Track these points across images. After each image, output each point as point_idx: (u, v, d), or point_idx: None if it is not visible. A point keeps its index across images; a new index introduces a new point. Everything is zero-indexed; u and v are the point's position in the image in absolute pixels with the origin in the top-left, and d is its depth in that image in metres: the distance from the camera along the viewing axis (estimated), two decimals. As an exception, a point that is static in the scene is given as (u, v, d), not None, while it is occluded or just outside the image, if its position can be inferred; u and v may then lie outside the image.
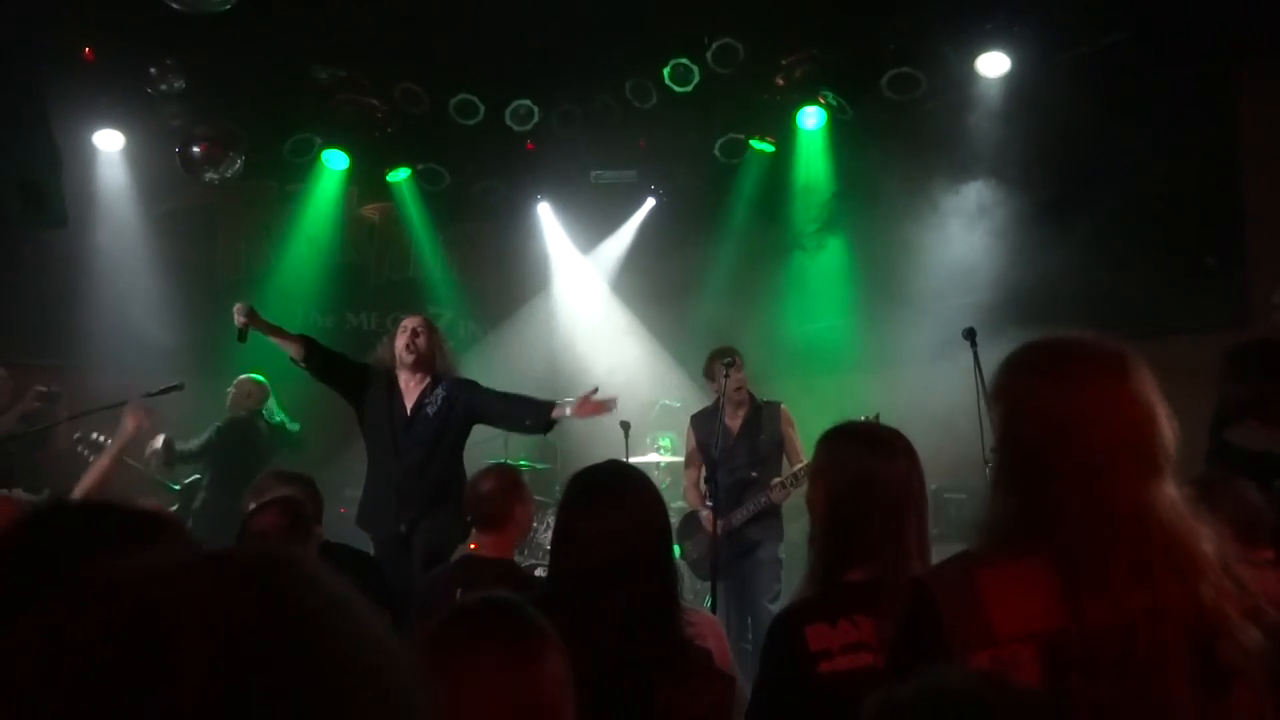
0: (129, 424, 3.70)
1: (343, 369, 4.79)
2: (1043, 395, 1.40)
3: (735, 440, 5.11)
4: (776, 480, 4.93)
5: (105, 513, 1.13)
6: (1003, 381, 1.47)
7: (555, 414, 4.60)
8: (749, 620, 4.92)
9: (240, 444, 5.86)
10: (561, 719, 1.35)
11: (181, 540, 1.17)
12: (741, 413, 5.17)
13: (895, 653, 1.47)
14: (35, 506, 1.11)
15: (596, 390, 4.56)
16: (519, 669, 1.33)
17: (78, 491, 3.48)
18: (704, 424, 5.24)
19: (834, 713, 1.75)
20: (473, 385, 4.75)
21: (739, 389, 5.09)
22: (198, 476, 5.90)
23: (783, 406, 5.24)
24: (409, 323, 4.76)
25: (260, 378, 6.04)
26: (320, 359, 4.69)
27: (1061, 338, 1.45)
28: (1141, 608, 1.28)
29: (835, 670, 1.86)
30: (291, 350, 4.64)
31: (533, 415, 4.64)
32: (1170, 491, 1.35)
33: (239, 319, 4.46)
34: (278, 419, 6.10)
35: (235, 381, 6.02)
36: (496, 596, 1.44)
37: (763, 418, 5.15)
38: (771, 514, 5.01)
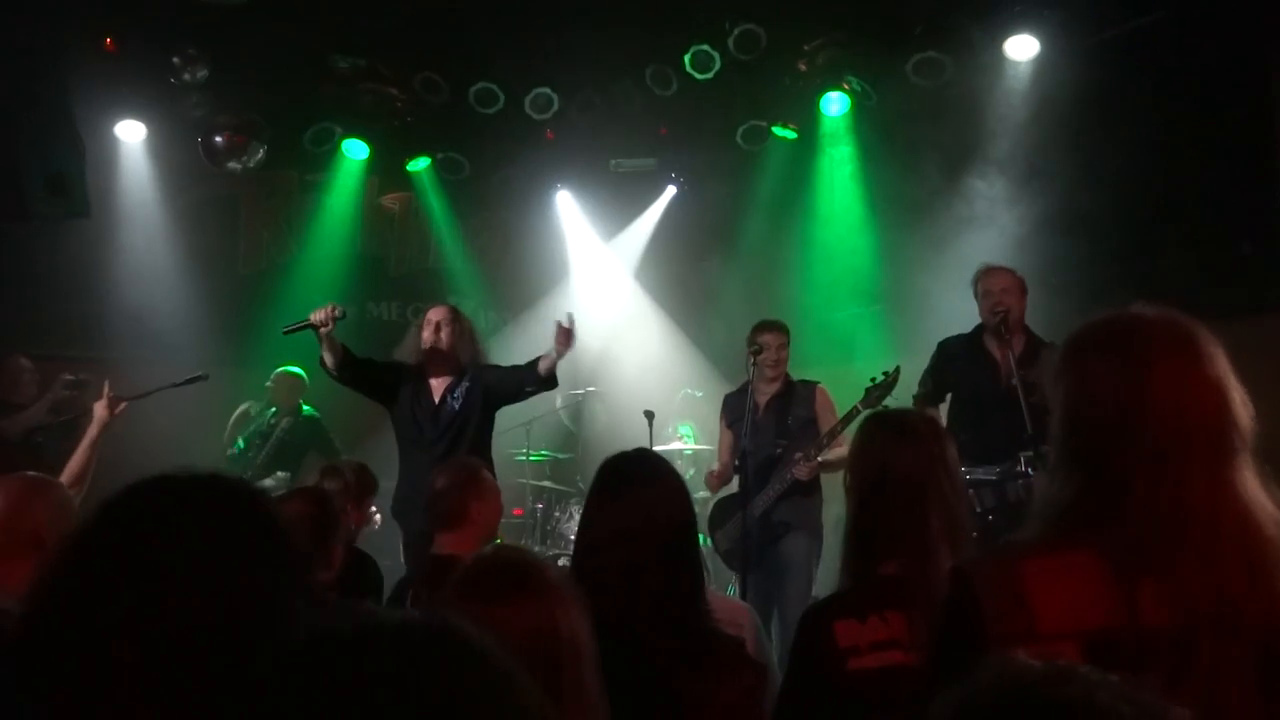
0: (101, 412, 3.76)
1: (373, 375, 4.78)
2: (1109, 375, 1.31)
3: (762, 417, 4.90)
4: (798, 454, 4.72)
5: (198, 489, 1.12)
6: (1066, 360, 1.39)
7: (544, 366, 4.58)
8: (774, 617, 4.80)
9: (306, 440, 6.02)
10: (581, 658, 1.38)
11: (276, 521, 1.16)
12: (773, 389, 4.96)
13: (933, 645, 1.39)
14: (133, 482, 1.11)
15: (559, 322, 4.54)
16: (525, 609, 1.37)
17: (63, 480, 3.47)
18: (735, 403, 5.09)
19: (862, 711, 1.76)
20: (488, 370, 4.75)
21: (774, 365, 4.90)
22: (281, 476, 5.96)
23: (820, 387, 5.02)
24: (433, 315, 4.75)
25: (298, 370, 6.05)
26: (352, 370, 4.67)
27: (1129, 314, 1.36)
28: (1208, 607, 1.18)
29: (864, 668, 1.82)
30: (330, 356, 4.57)
31: (528, 378, 4.64)
32: (1247, 478, 1.26)
33: (323, 317, 4.39)
34: (308, 411, 6.19)
35: (274, 376, 6.04)
36: (505, 551, 1.54)
37: (795, 396, 4.94)
38: (803, 494, 4.76)
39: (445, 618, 0.60)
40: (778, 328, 4.96)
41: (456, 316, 4.77)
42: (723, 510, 5.09)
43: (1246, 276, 5.29)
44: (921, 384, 4.63)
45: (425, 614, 0.61)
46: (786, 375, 5.02)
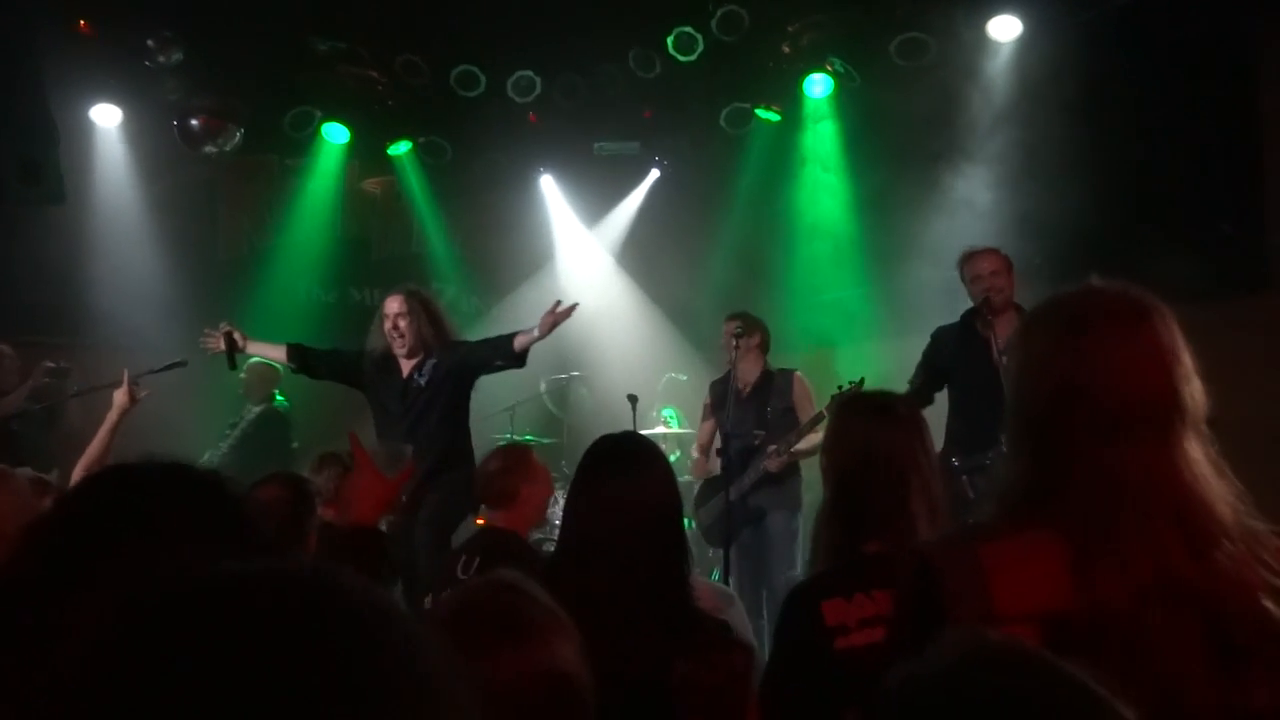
0: (121, 399, 3.74)
1: (339, 366, 4.85)
2: (1054, 350, 1.30)
3: (743, 406, 5.10)
4: (771, 448, 4.93)
5: (171, 477, 1.09)
6: (1018, 336, 1.39)
7: (520, 343, 4.57)
8: (764, 595, 4.88)
9: (280, 433, 5.96)
10: (579, 700, 1.30)
11: (243, 520, 1.14)
12: (753, 379, 5.18)
13: (896, 626, 1.39)
14: (111, 468, 1.09)
15: (559, 304, 4.50)
16: (510, 661, 1.29)
17: (80, 467, 3.48)
18: (719, 390, 5.28)
19: (851, 688, 1.74)
20: (457, 345, 4.74)
21: (749, 354, 5.12)
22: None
23: (798, 374, 5.21)
24: (388, 308, 4.72)
25: (271, 361, 5.99)
26: (312, 364, 4.76)
27: (1081, 290, 1.34)
28: (1153, 583, 1.18)
29: (852, 646, 1.84)
30: (280, 360, 4.72)
31: (499, 352, 4.63)
32: (1192, 453, 1.25)
33: (219, 345, 4.52)
34: (280, 401, 6.13)
35: (246, 367, 5.95)
36: (498, 580, 1.40)
37: (774, 385, 5.13)
38: (781, 481, 4.96)
39: (326, 569, 0.54)
40: (744, 318, 5.20)
41: (411, 304, 4.70)
42: (705, 491, 5.32)
43: (1226, 256, 5.31)
44: (912, 380, 4.63)
45: (305, 566, 0.55)
46: (766, 364, 5.22)
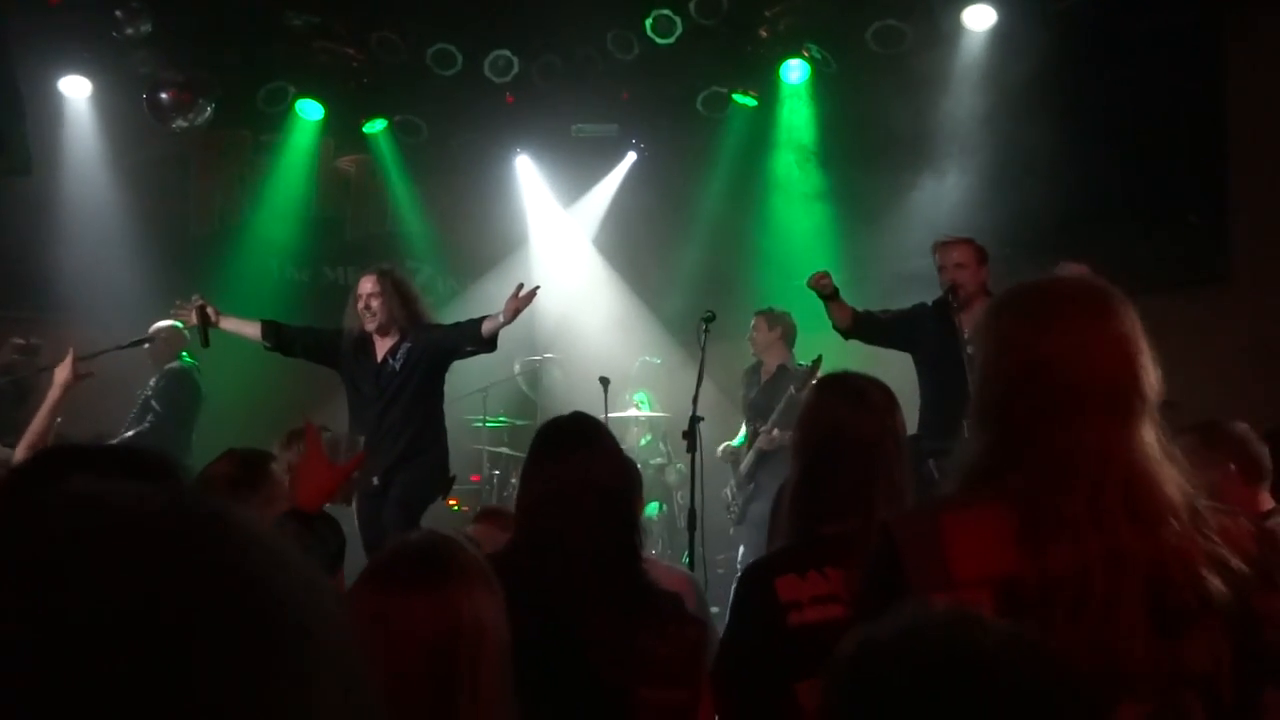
0: (63, 375, 3.62)
1: (313, 344, 4.80)
2: (1018, 334, 1.38)
3: (757, 397, 5.67)
4: (763, 429, 5.43)
5: (104, 458, 1.09)
6: (983, 322, 1.47)
7: (488, 328, 4.56)
8: None
9: (188, 392, 5.78)
10: (481, 653, 1.35)
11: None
12: (772, 370, 5.67)
13: (861, 597, 1.46)
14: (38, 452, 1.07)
15: (521, 287, 4.51)
16: (428, 600, 1.35)
17: (22, 445, 3.42)
18: (746, 380, 5.89)
19: (804, 664, 1.77)
20: (429, 328, 4.73)
21: (772, 347, 5.67)
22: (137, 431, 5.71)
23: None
24: (361, 288, 4.70)
25: (173, 322, 5.80)
26: (286, 343, 4.71)
27: (1045, 278, 1.44)
28: (1099, 552, 1.26)
29: (805, 622, 1.87)
30: (254, 337, 4.65)
31: (468, 337, 4.62)
32: (1145, 436, 1.32)
33: (192, 319, 4.47)
34: (187, 360, 5.91)
35: (155, 329, 5.65)
36: (423, 535, 1.49)
37: (785, 379, 5.53)
38: (777, 462, 5.27)
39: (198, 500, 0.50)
40: (758, 313, 5.77)
41: (384, 283, 4.67)
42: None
43: (1192, 247, 5.39)
44: (883, 312, 4.78)
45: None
46: (787, 358, 5.69)
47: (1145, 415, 1.33)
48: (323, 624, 0.47)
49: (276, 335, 4.81)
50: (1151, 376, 1.34)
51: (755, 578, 1.97)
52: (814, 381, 4.75)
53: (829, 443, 2.00)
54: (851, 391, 2.08)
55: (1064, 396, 1.31)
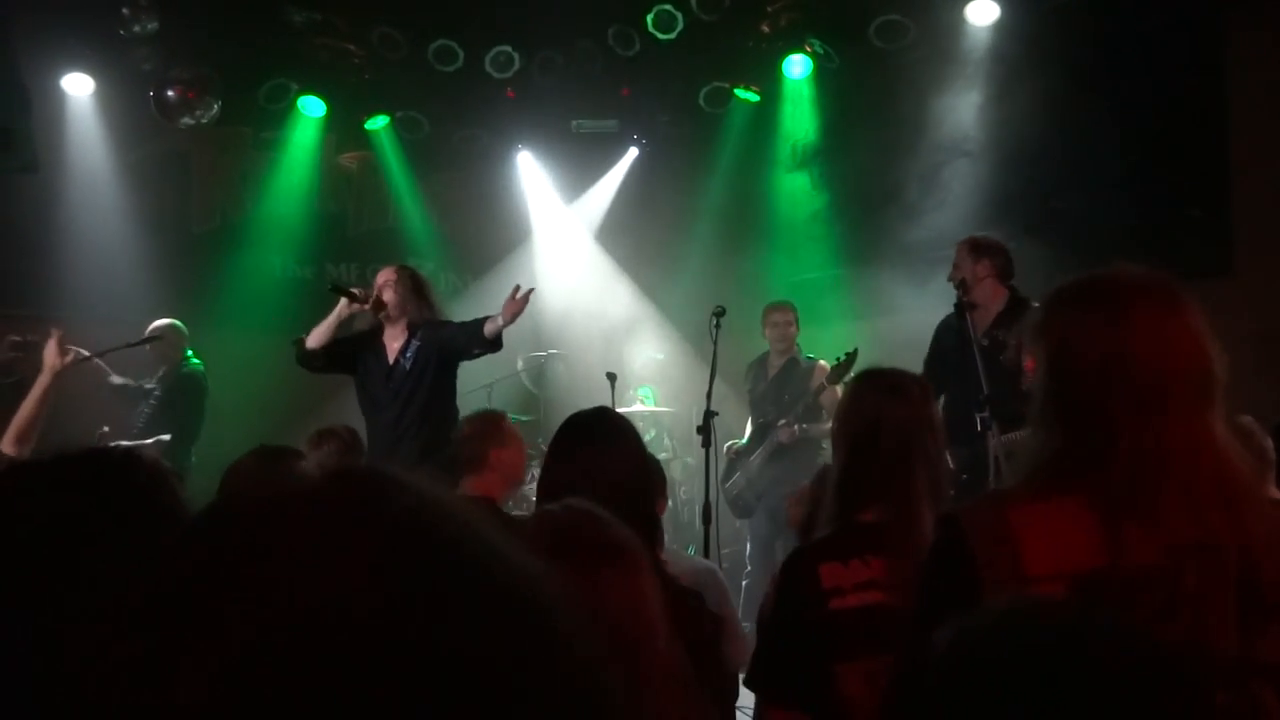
0: (50, 359, 3.48)
1: (338, 355, 4.75)
2: (1091, 328, 1.37)
3: (767, 388, 5.65)
4: (781, 422, 5.39)
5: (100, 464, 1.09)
6: (1048, 317, 1.45)
7: (489, 329, 4.56)
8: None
9: (199, 397, 5.79)
10: (656, 627, 1.31)
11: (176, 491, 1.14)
12: (780, 363, 5.67)
13: (924, 587, 1.45)
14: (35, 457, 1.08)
15: (518, 289, 4.52)
16: (611, 575, 1.29)
17: (10, 436, 3.26)
18: (752, 372, 5.83)
19: (845, 647, 1.88)
20: (439, 325, 4.73)
21: (780, 340, 5.63)
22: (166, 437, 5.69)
23: (820, 364, 5.52)
24: (378, 278, 4.74)
25: (173, 321, 5.75)
26: (326, 360, 4.69)
27: (1109, 271, 1.42)
28: (1192, 543, 1.26)
29: (846, 607, 1.92)
30: (327, 336, 4.61)
31: (475, 339, 4.62)
32: (1221, 425, 1.34)
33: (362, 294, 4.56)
34: (195, 363, 5.91)
35: (155, 327, 5.63)
36: (580, 506, 1.40)
37: (796, 372, 5.57)
38: (795, 455, 5.34)
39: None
40: (784, 306, 5.71)
41: (400, 275, 4.70)
42: (729, 467, 5.83)
43: (1196, 240, 5.41)
44: (931, 359, 4.67)
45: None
46: (795, 351, 5.69)
47: (1220, 405, 1.35)
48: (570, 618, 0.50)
49: (327, 353, 4.71)
50: (1221, 367, 1.36)
51: (800, 563, 2.01)
52: (849, 375, 4.82)
53: (868, 434, 2.05)
54: (890, 385, 2.12)
55: (1149, 390, 1.31)
